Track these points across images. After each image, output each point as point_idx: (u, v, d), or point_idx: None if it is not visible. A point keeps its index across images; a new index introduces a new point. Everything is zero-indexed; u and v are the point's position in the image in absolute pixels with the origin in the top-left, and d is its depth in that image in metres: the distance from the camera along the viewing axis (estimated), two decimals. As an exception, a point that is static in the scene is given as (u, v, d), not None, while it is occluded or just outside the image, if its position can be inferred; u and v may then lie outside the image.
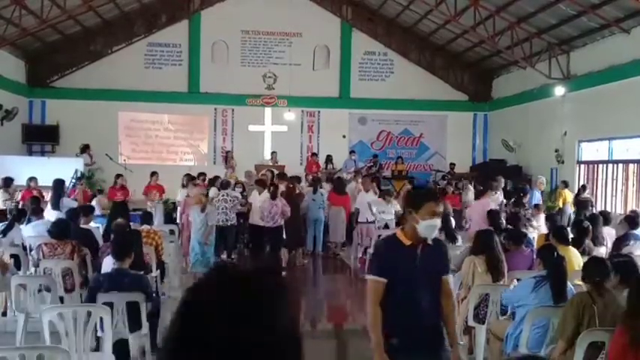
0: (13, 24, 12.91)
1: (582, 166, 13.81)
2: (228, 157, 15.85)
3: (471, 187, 13.23)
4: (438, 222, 3.26)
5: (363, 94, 17.63)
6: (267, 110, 17.05)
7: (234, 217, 10.53)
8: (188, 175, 12.32)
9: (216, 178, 11.77)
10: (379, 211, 10.81)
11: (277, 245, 10.27)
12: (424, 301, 3.27)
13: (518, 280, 5.49)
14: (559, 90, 13.73)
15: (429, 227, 3.22)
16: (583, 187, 12.17)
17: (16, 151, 14.98)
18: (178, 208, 11.69)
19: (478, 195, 9.88)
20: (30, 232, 7.45)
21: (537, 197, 11.74)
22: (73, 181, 12.22)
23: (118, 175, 12.76)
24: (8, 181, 11.18)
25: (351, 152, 16.62)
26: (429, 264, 3.29)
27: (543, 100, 14.59)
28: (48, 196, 10.22)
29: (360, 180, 12.54)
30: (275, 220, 9.99)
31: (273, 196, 10.05)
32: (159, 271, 7.23)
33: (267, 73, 17.51)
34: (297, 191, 11.31)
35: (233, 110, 17.42)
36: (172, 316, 1.01)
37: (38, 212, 7.94)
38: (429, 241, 3.29)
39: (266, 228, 10.16)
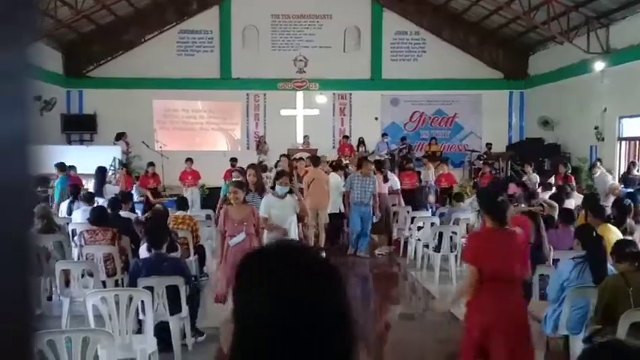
0: (49, 16, 13.17)
1: (624, 142, 13.40)
2: (260, 142, 15.92)
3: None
4: None
5: (395, 75, 17.41)
6: (299, 94, 17.02)
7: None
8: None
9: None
10: None
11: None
12: None
13: (556, 260, 5.40)
14: (598, 65, 13.30)
15: None
16: (633, 164, 11.52)
17: (56, 141, 15.35)
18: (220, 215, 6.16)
19: None
20: (79, 217, 7.66)
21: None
22: (112, 168, 12.48)
23: (150, 164, 12.96)
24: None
25: (384, 135, 16.53)
26: None
27: (582, 75, 14.15)
28: (89, 183, 10.46)
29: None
30: None
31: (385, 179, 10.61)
32: (197, 255, 7.37)
33: (298, 57, 17.46)
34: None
35: (265, 95, 17.46)
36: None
37: (89, 199, 8.12)
38: None
39: None
